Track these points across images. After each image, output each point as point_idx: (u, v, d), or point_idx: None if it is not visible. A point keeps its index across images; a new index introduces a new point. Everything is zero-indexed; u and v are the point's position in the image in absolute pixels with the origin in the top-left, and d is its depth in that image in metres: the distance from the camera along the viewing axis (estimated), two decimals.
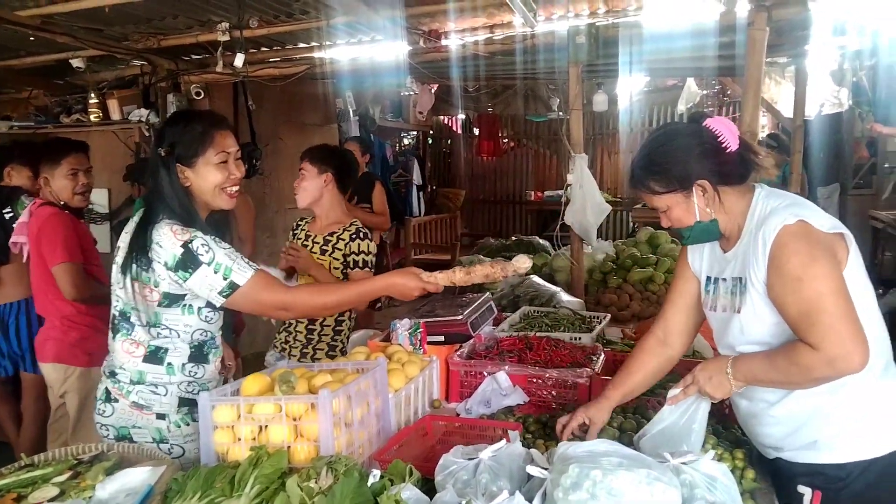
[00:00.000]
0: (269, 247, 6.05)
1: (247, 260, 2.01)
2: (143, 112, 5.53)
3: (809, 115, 7.05)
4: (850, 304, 1.58)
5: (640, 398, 2.14)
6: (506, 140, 11.84)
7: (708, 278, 1.91)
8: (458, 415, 2.39)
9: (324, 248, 3.11)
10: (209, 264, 1.93)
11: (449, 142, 12.36)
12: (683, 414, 1.79)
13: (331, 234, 3.12)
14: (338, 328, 3.14)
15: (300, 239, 3.22)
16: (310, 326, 3.12)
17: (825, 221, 1.67)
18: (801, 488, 1.73)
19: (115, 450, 1.93)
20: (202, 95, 5.59)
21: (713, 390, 1.74)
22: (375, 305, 5.50)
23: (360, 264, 3.06)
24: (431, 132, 11.84)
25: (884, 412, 1.73)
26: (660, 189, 1.79)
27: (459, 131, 12.11)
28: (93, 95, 5.57)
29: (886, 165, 7.55)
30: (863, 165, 7.79)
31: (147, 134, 5.55)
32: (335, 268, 3.07)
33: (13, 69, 5.55)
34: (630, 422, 2.06)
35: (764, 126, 7.94)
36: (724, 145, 1.73)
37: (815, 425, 1.72)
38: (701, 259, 1.95)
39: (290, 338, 3.16)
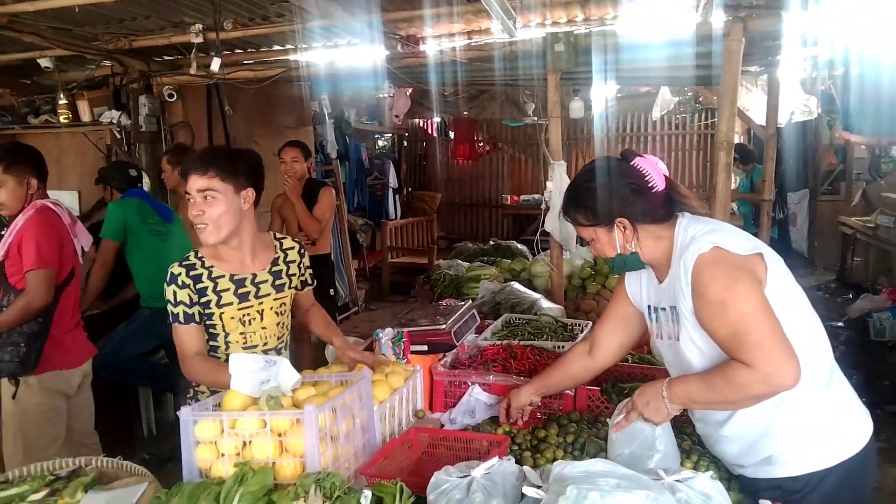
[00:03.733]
0: None
1: None
2: (115, 114, 5.44)
3: (781, 123, 7.19)
4: (774, 321, 1.60)
5: None
6: (481, 144, 11.85)
7: (650, 307, 1.92)
8: (442, 425, 2.37)
9: (278, 284, 2.37)
10: None
11: (424, 145, 12.33)
12: (643, 439, 1.77)
13: (275, 262, 2.39)
14: None
15: (204, 296, 2.23)
16: None
17: (742, 244, 1.69)
18: (763, 503, 1.74)
19: (93, 465, 1.88)
20: (175, 97, 5.51)
21: (651, 415, 1.76)
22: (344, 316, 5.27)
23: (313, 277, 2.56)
24: (407, 135, 11.81)
25: (833, 423, 1.74)
26: (584, 221, 1.85)
27: (435, 135, 12.08)
28: (62, 96, 5.44)
29: (855, 172, 7.73)
30: (832, 172, 7.97)
31: (118, 136, 5.45)
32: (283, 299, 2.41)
33: None
34: None
35: (737, 133, 8.07)
36: (650, 185, 1.77)
37: (768, 441, 1.73)
38: (640, 288, 1.96)
39: None
